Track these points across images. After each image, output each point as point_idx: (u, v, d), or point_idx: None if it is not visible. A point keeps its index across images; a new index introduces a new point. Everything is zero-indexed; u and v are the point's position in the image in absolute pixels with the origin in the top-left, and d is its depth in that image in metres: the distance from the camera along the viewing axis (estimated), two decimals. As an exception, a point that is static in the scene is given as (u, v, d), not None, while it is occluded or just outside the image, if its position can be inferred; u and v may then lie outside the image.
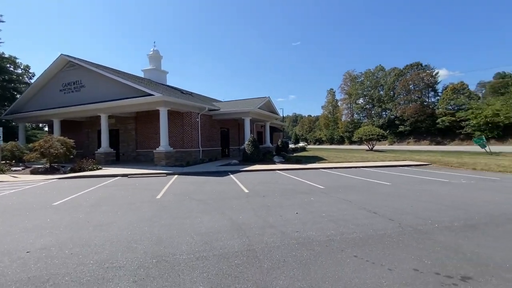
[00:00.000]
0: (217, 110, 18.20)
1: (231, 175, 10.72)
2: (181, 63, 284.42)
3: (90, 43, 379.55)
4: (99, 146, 16.94)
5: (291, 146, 38.73)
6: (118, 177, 10.76)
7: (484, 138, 21.81)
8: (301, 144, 50.99)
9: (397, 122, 55.93)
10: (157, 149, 14.11)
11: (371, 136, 25.51)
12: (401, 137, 56.46)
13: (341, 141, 71.60)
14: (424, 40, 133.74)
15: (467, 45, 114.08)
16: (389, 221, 4.38)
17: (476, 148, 24.95)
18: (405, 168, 13.18)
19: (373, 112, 64.55)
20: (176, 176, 10.91)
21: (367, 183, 8.49)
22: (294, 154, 22.35)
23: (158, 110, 14.18)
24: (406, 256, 3.05)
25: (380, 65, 66.04)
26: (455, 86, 48.49)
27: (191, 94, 21.99)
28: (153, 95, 13.39)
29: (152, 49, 21.99)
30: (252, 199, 6.24)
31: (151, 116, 16.61)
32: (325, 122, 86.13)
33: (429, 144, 49.14)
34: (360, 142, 28.53)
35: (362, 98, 68.86)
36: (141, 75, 21.68)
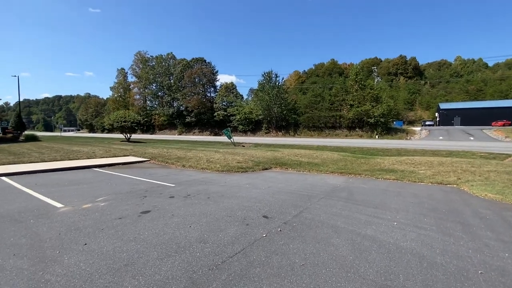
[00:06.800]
0: None
1: None
2: None
3: None
4: None
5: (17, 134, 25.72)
6: None
7: (229, 130, 24.20)
8: (36, 132, 35.93)
9: (185, 113, 57.16)
10: None
11: (123, 123, 20.71)
12: (189, 127, 58.54)
13: (133, 129, 62.85)
14: (215, 49, 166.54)
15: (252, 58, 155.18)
16: None
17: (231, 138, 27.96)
18: (98, 169, 9.12)
19: (164, 100, 62.14)
20: None
21: None
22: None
23: None
24: None
25: (171, 53, 64.71)
26: (228, 85, 56.89)
27: None
28: None
29: None
30: None
31: None
32: (115, 106, 72.70)
33: (209, 135, 54.42)
34: (120, 130, 22.86)
35: (154, 84, 64.32)
36: None
